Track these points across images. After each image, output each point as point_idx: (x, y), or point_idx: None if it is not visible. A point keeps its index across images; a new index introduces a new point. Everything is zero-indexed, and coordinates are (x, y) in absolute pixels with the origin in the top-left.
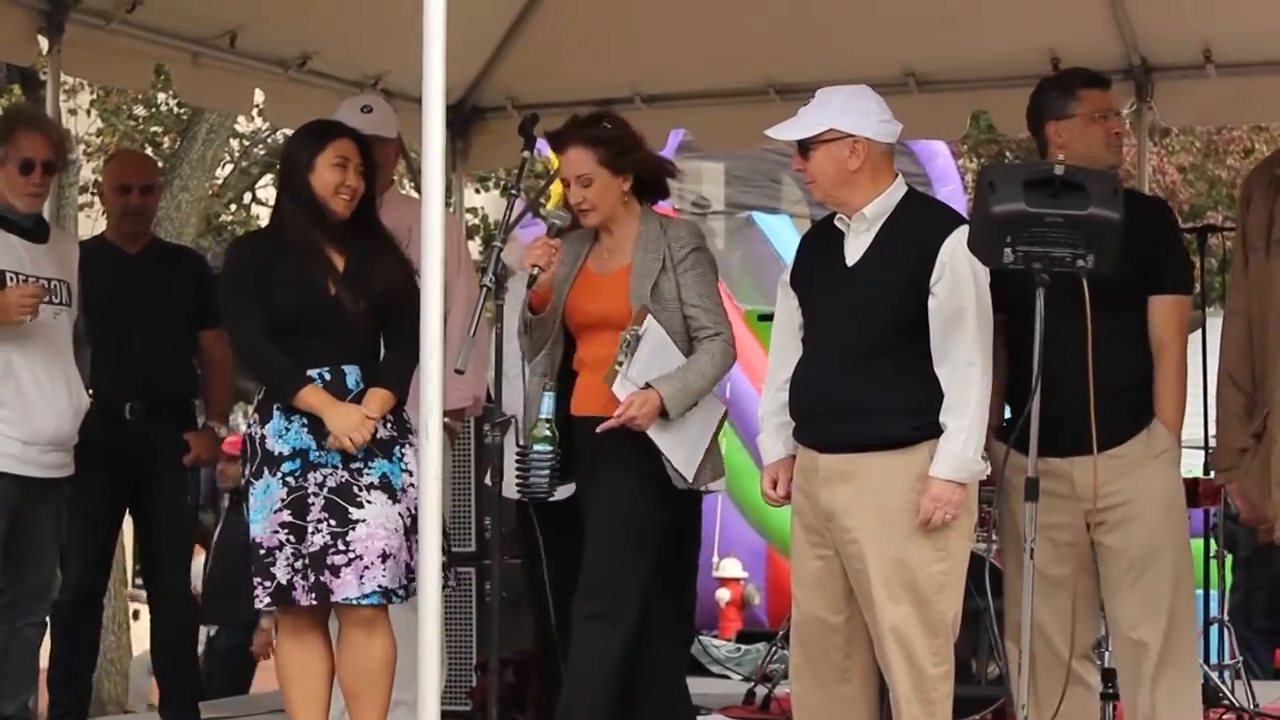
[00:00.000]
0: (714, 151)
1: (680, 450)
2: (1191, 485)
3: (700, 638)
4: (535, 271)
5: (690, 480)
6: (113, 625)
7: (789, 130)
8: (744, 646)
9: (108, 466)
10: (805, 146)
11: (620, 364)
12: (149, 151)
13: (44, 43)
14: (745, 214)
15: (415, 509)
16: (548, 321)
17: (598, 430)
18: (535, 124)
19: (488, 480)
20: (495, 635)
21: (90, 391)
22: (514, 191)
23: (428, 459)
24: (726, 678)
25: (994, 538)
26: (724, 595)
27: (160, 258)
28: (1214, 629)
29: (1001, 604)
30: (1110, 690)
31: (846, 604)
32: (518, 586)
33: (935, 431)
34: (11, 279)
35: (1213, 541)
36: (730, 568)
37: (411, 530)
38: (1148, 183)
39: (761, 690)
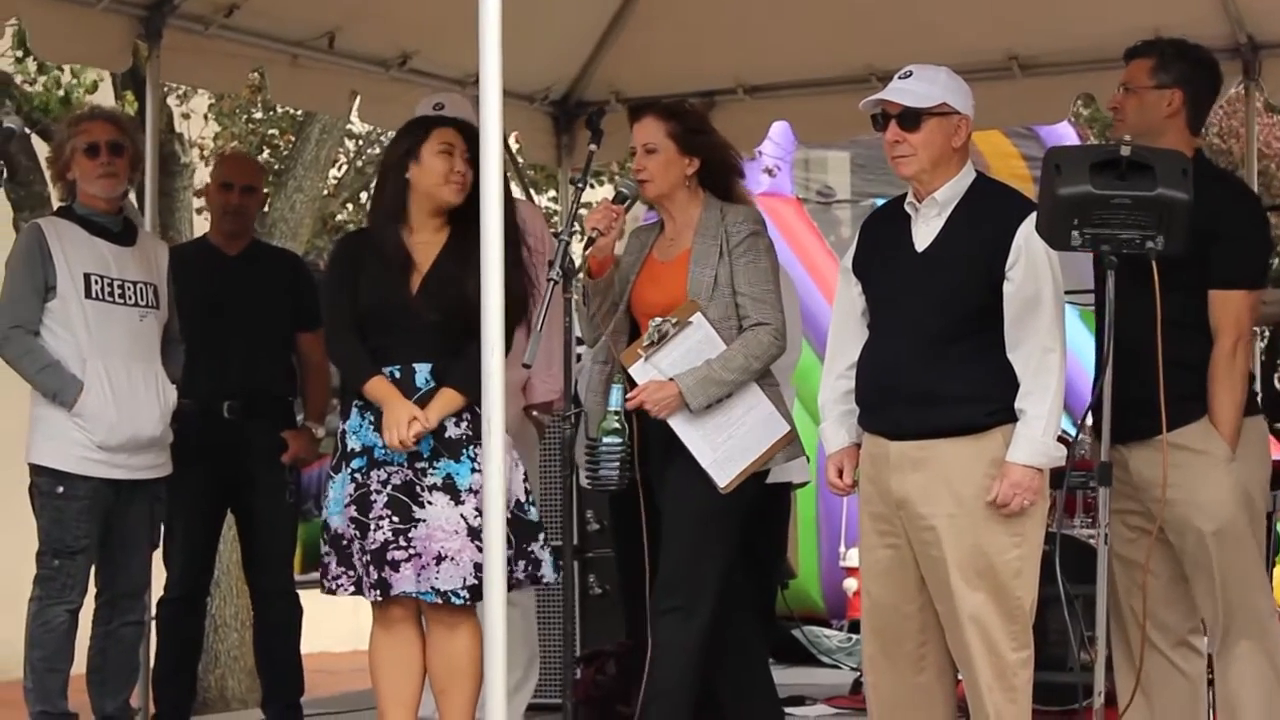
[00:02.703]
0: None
1: (708, 449)
2: None
3: (810, 628)
4: (594, 234)
5: (721, 485)
6: (236, 623)
7: (906, 96)
8: (854, 636)
9: (205, 465)
10: (915, 117)
11: (645, 348)
12: (264, 153)
13: (145, 49)
14: (871, 201)
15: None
16: (603, 291)
17: (625, 405)
18: (602, 118)
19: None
20: (573, 629)
21: (183, 391)
22: (579, 185)
23: (491, 457)
24: (837, 668)
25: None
26: (851, 585)
27: (259, 259)
28: None
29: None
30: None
31: (919, 592)
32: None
33: (1008, 418)
34: (96, 281)
35: None
36: (858, 557)
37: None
38: (1256, 162)
39: None
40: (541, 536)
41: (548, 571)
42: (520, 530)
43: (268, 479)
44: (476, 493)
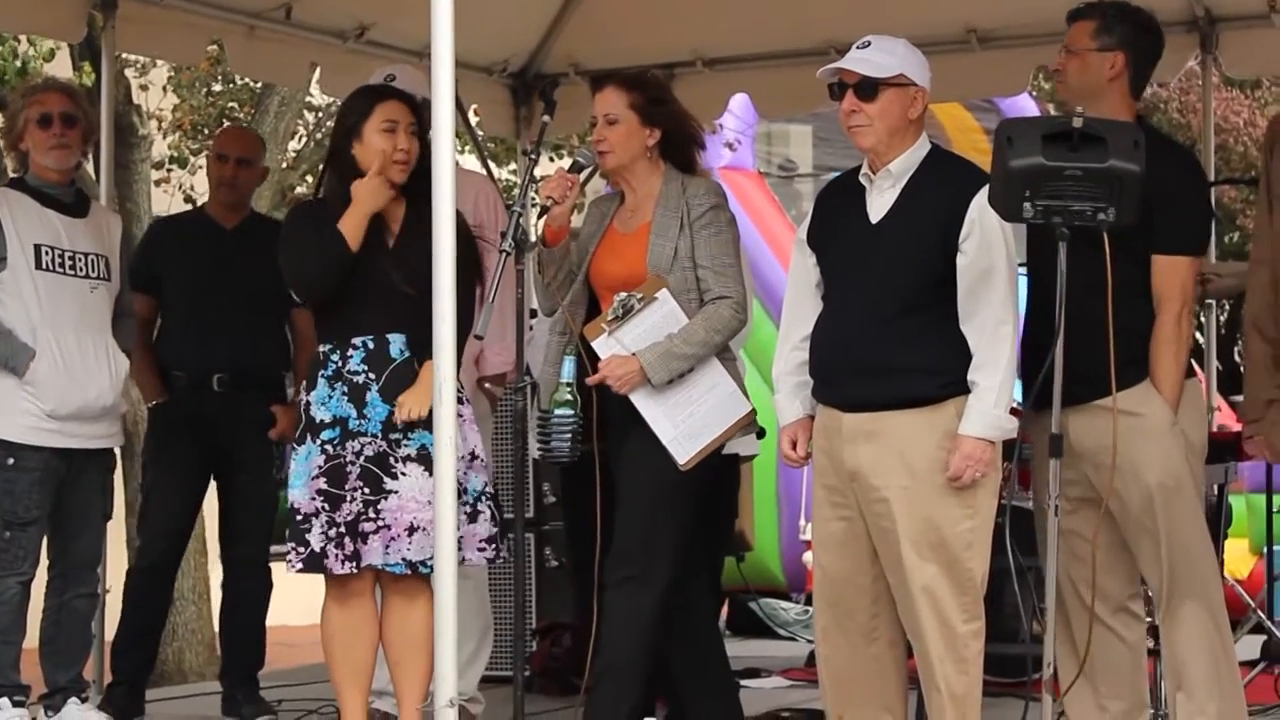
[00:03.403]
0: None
1: (669, 426)
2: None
3: (767, 601)
4: (548, 203)
5: (681, 462)
6: (194, 596)
7: (864, 65)
8: (811, 609)
9: (192, 437)
10: (873, 88)
11: (609, 322)
12: (223, 125)
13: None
14: (834, 175)
15: (463, 478)
16: (558, 260)
17: (586, 381)
18: (555, 89)
19: (535, 446)
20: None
21: (174, 362)
22: (533, 156)
23: (442, 425)
24: (794, 640)
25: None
26: (810, 558)
27: (256, 233)
28: (1278, 585)
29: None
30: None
31: (872, 564)
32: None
33: (961, 389)
34: (46, 253)
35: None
36: None
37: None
38: (1213, 137)
39: None
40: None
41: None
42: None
43: (254, 453)
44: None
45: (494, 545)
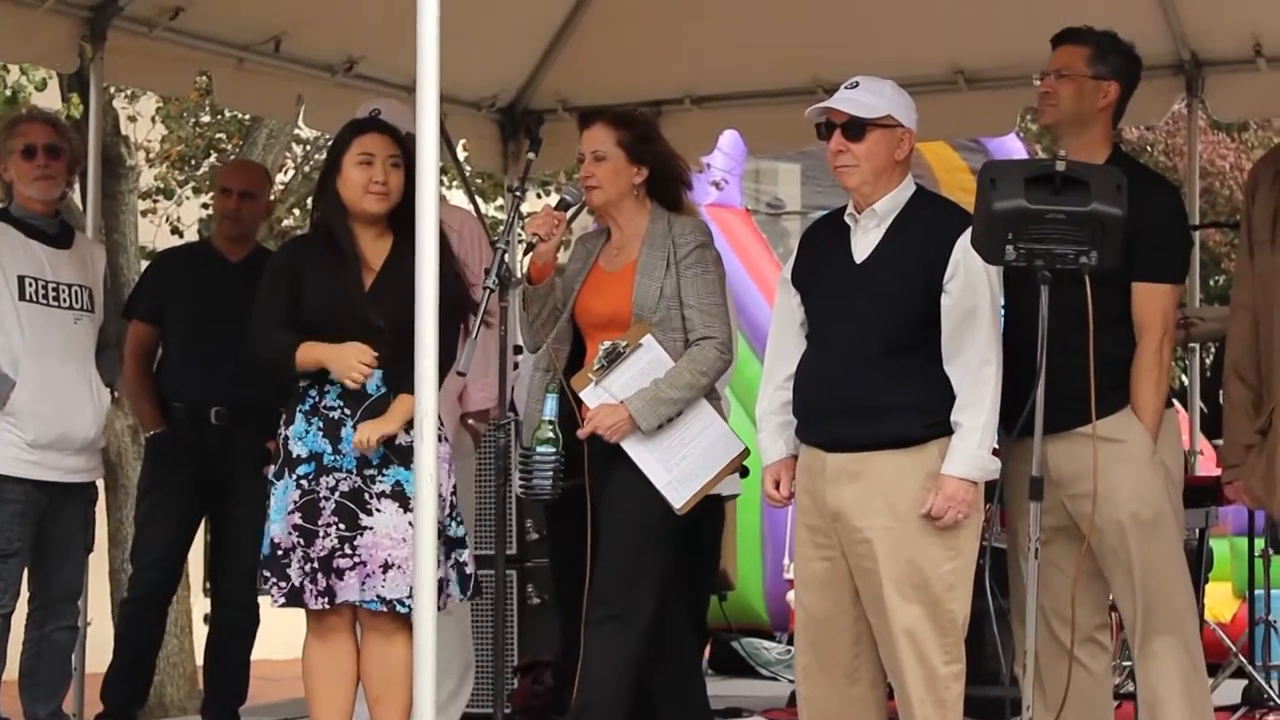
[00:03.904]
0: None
1: (661, 471)
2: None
3: (749, 640)
4: (534, 239)
5: (677, 506)
6: (175, 629)
7: (852, 106)
8: (794, 649)
9: (188, 468)
10: (860, 128)
11: (595, 371)
12: (211, 157)
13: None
14: (822, 214)
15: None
16: (543, 297)
17: (577, 434)
18: (540, 126)
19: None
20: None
21: (174, 394)
22: (518, 193)
23: (422, 462)
24: (775, 680)
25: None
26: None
27: (260, 267)
28: (1259, 630)
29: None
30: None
31: (854, 604)
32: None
33: (944, 430)
34: (30, 284)
35: (1259, 540)
36: None
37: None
38: (1198, 177)
39: None
40: (464, 552)
41: (455, 591)
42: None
43: (249, 488)
44: None
45: (471, 581)
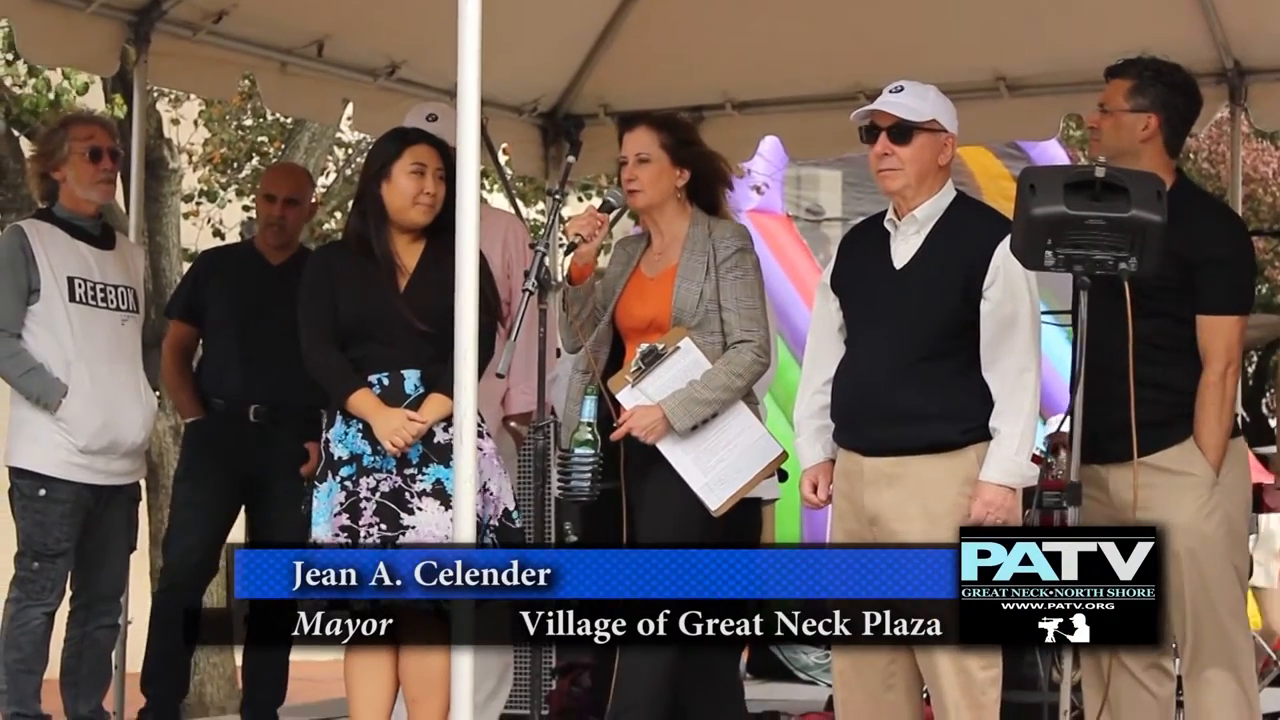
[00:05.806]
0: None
1: (698, 473)
2: None
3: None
4: (576, 240)
5: (713, 508)
6: None
7: (898, 109)
8: (831, 653)
9: (226, 466)
10: (907, 132)
11: (633, 374)
12: (254, 160)
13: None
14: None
15: (481, 512)
16: (583, 298)
17: (611, 435)
18: (580, 130)
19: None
20: None
21: (215, 390)
22: (558, 196)
23: (462, 467)
24: (814, 684)
25: None
26: None
27: (301, 271)
28: None
29: None
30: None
31: None
32: None
33: (982, 436)
34: (79, 285)
35: None
36: None
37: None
38: (1240, 187)
39: None
40: None
41: None
42: (509, 539)
43: (285, 487)
44: None
45: None
